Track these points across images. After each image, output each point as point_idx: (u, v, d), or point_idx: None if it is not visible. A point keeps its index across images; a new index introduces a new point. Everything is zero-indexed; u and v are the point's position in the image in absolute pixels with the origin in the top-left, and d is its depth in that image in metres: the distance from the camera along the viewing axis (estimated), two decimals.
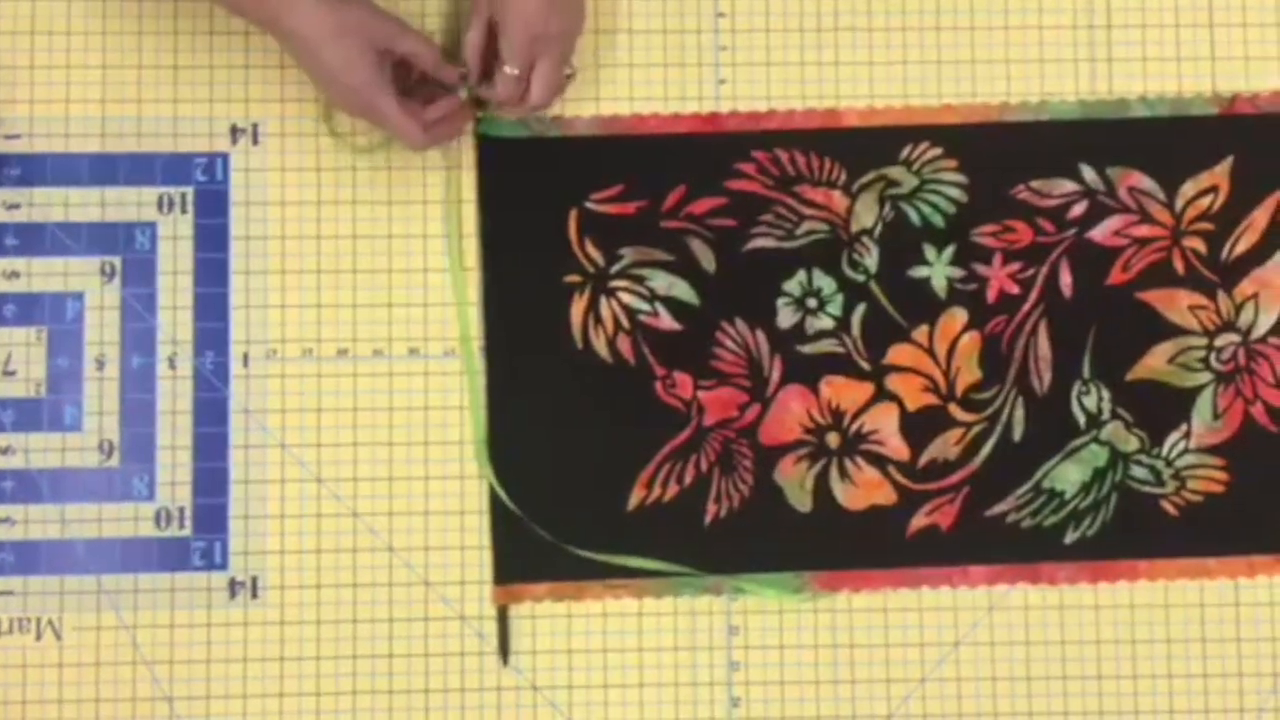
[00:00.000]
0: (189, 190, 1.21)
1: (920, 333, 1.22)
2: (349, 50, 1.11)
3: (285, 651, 1.18)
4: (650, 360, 1.21)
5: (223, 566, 1.18)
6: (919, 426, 1.21)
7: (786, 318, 1.22)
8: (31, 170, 1.20)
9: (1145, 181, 1.22)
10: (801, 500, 1.21)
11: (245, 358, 1.19)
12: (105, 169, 1.20)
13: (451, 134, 1.19)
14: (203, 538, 1.18)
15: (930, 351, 1.21)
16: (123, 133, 1.21)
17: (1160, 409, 1.21)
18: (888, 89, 1.23)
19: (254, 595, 1.18)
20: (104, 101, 1.21)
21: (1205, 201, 1.22)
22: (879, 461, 1.21)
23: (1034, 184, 1.22)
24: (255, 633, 1.18)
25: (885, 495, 1.21)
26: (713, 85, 1.23)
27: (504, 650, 1.18)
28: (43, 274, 1.19)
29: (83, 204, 1.20)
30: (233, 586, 1.18)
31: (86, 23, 1.21)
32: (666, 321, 1.21)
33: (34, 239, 1.19)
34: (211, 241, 1.20)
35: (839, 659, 1.19)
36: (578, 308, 1.21)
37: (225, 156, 1.21)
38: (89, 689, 1.17)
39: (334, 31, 1.10)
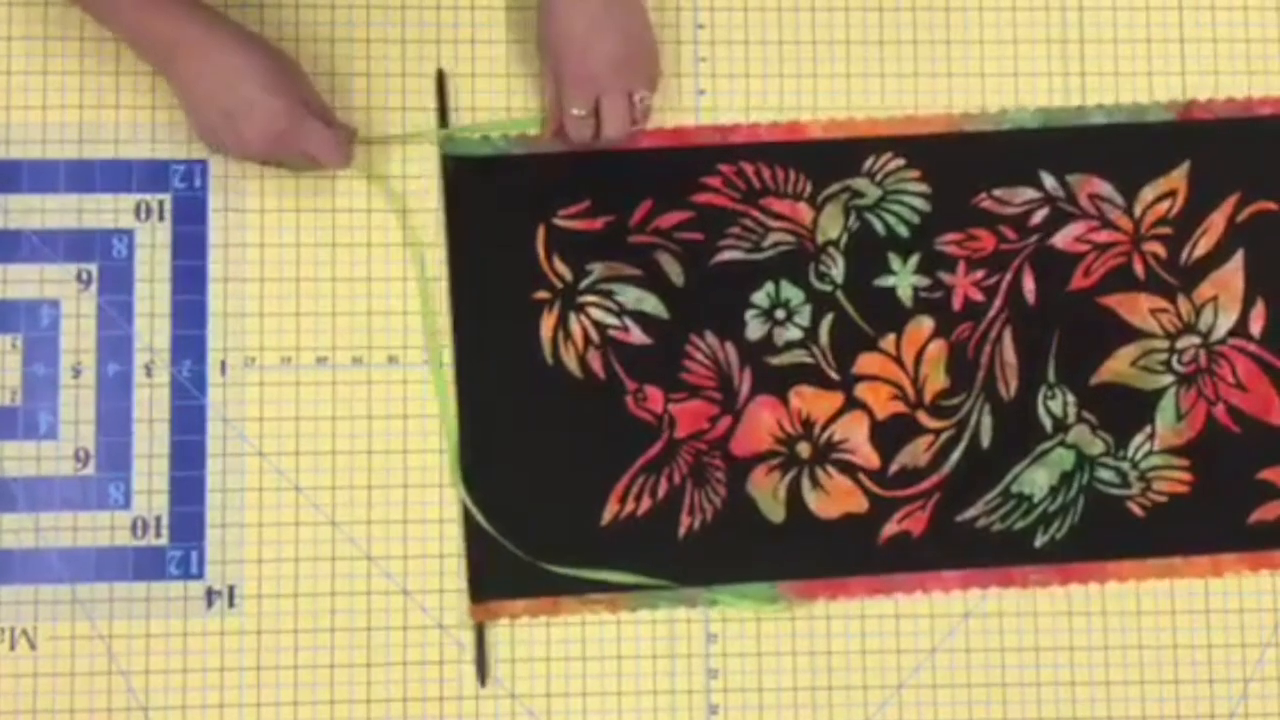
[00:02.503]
0: (166, 197, 1.20)
1: (888, 341, 1.23)
2: (271, 89, 1.12)
3: (263, 661, 1.17)
4: (621, 374, 1.22)
5: (199, 575, 1.17)
6: (889, 434, 1.22)
7: (755, 329, 1.23)
8: (8, 176, 1.19)
9: (1105, 188, 1.25)
10: (774, 510, 1.21)
11: (223, 365, 1.19)
12: (82, 175, 1.20)
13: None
14: (179, 546, 1.17)
15: (898, 360, 1.23)
16: (100, 139, 1.20)
17: (1124, 411, 1.23)
18: (864, 100, 1.25)
19: (231, 604, 1.17)
20: (81, 108, 1.21)
21: (1164, 206, 1.25)
22: (850, 470, 1.22)
23: (996, 192, 1.24)
24: (232, 642, 1.17)
25: (857, 503, 1.22)
26: (692, 96, 1.25)
27: (481, 672, 1.18)
28: (18, 281, 1.19)
29: (59, 210, 1.19)
30: (209, 595, 1.17)
31: (64, 29, 1.21)
32: (636, 335, 1.22)
33: (10, 246, 1.18)
34: (189, 249, 1.20)
35: (816, 666, 1.20)
36: (547, 324, 1.22)
37: (204, 164, 1.21)
38: (63, 699, 1.15)
39: (256, 66, 1.12)
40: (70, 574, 1.17)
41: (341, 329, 1.20)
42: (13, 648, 1.16)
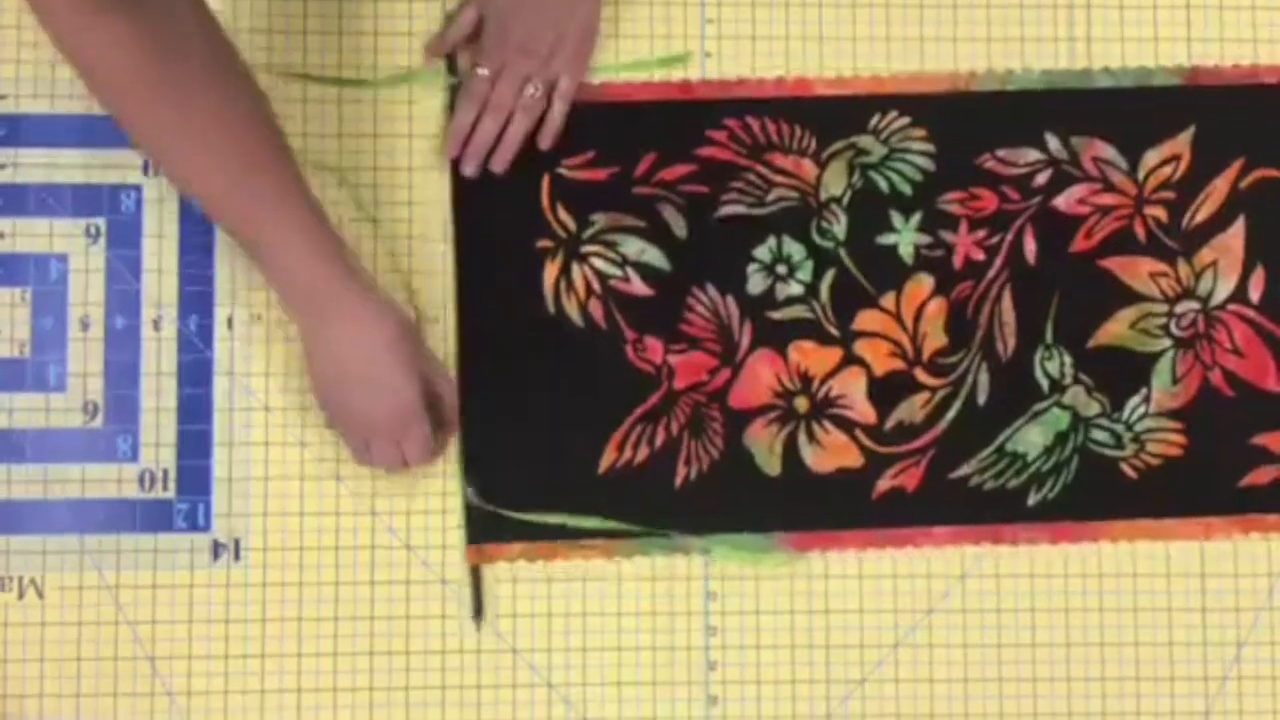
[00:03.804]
0: None
1: (888, 299, 1.24)
2: (409, 368, 1.13)
3: (267, 613, 1.18)
4: (621, 325, 1.23)
5: (206, 528, 1.18)
6: (886, 391, 1.23)
7: (757, 284, 1.24)
8: (16, 131, 1.19)
9: (1109, 151, 1.25)
10: (770, 463, 1.23)
11: (230, 320, 1.19)
12: (90, 130, 1.19)
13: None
14: (186, 499, 1.18)
15: (897, 317, 1.24)
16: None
17: (1121, 374, 1.24)
18: (870, 64, 1.25)
19: (236, 557, 1.18)
20: None
21: (1167, 171, 1.25)
22: (846, 425, 1.23)
23: (1000, 153, 1.25)
24: (237, 594, 1.18)
25: (852, 458, 1.23)
26: (698, 57, 1.24)
27: (478, 610, 1.19)
28: (27, 235, 1.19)
29: (68, 165, 1.19)
30: (215, 548, 1.18)
31: None
32: (638, 286, 1.23)
33: (18, 200, 1.18)
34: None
35: (814, 625, 1.21)
36: (550, 273, 1.23)
37: None
38: (70, 648, 1.17)
39: (397, 341, 1.12)
40: (78, 525, 1.17)
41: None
42: (21, 597, 1.17)
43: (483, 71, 1.18)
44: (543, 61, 1.19)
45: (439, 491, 1.20)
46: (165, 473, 1.18)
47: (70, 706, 1.16)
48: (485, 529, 1.20)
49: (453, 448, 1.20)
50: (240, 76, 1.07)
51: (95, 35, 0.99)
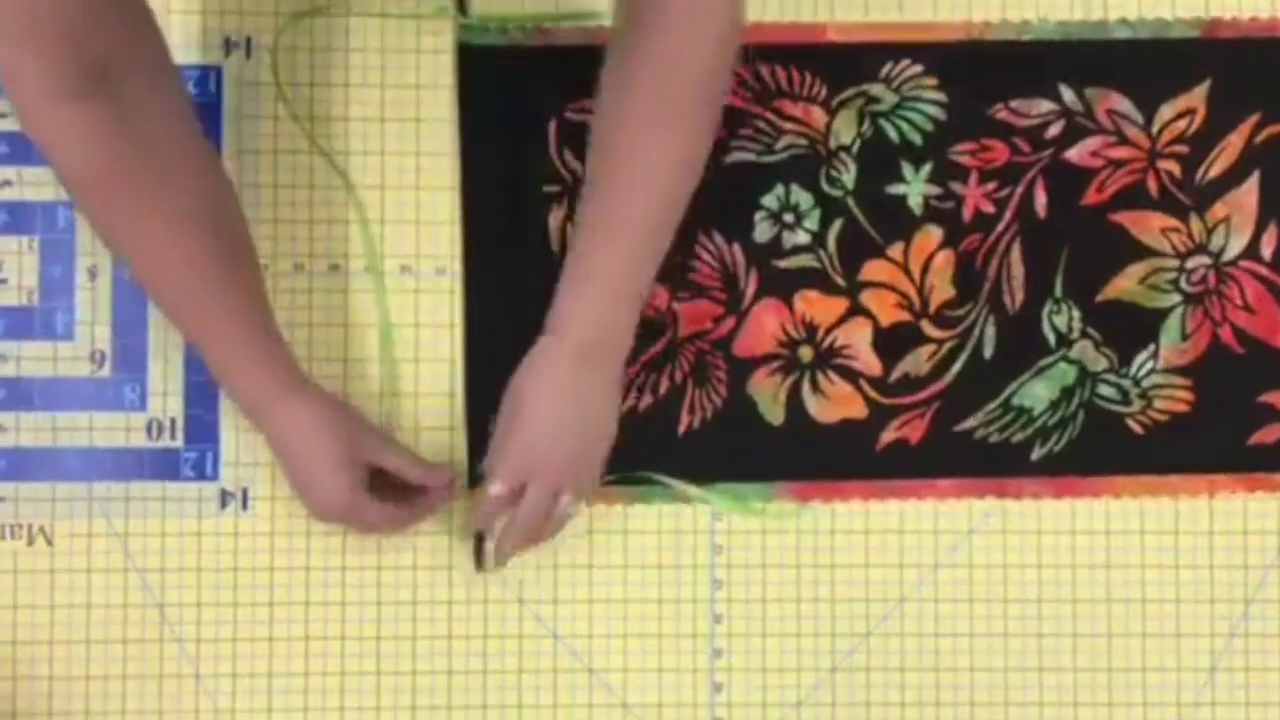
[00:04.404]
0: None
1: (895, 249, 1.23)
2: (335, 468, 1.11)
3: (275, 562, 1.19)
4: None
5: (214, 477, 1.19)
6: (891, 342, 1.23)
7: (763, 232, 1.23)
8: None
9: (1123, 103, 1.24)
10: (774, 412, 1.23)
11: None
12: None
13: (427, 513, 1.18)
14: (194, 448, 1.19)
15: (905, 268, 1.23)
16: None
17: (1129, 329, 1.24)
18: (883, 11, 1.24)
19: (244, 506, 1.19)
20: None
21: (1182, 124, 1.24)
22: (851, 376, 1.23)
23: (1013, 104, 1.24)
24: (245, 542, 1.19)
25: (856, 409, 1.23)
26: None
27: (478, 556, 1.19)
28: (35, 183, 1.18)
29: None
30: (223, 497, 1.19)
31: None
32: None
33: (25, 147, 1.15)
34: None
35: (820, 578, 1.22)
36: (556, 217, 1.22)
37: (218, 69, 1.20)
38: (80, 594, 1.18)
39: (323, 444, 1.11)
40: (87, 473, 1.18)
41: (355, 237, 1.20)
42: (30, 544, 1.18)
43: (498, 491, 1.14)
44: (571, 475, 1.14)
45: (445, 444, 1.20)
46: (173, 422, 1.19)
47: (80, 653, 1.17)
48: None
49: (460, 406, 1.20)
50: (206, 181, 1.07)
51: (60, 122, 0.99)
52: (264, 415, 1.11)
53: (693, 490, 1.21)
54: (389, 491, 1.15)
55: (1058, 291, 1.23)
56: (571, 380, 1.11)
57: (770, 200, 1.23)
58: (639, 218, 1.10)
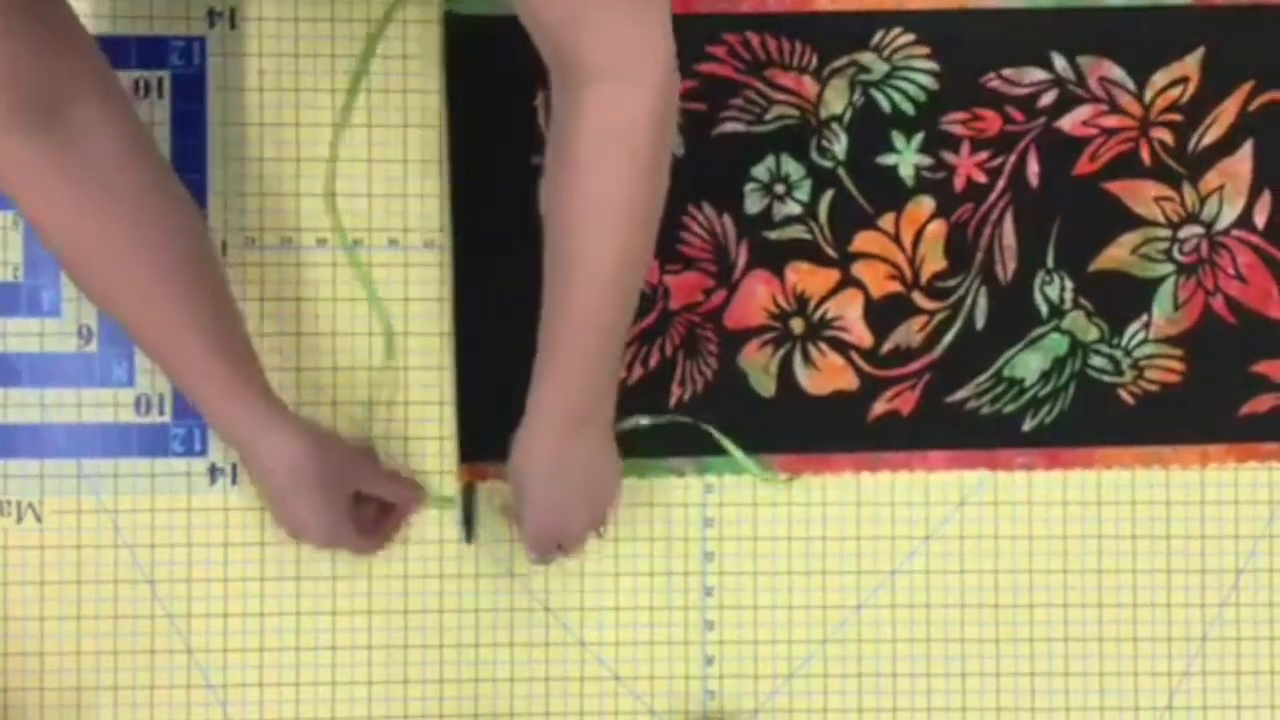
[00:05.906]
0: (165, 75, 1.18)
1: (887, 220, 1.23)
2: (315, 509, 1.11)
3: (265, 536, 1.19)
4: None
5: (202, 453, 1.19)
6: (883, 313, 1.23)
7: (754, 203, 1.23)
8: None
9: (1116, 71, 1.23)
10: (765, 384, 1.23)
11: (223, 245, 1.18)
12: None
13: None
14: (182, 424, 1.19)
15: (896, 239, 1.23)
16: (98, 14, 1.17)
17: (1121, 299, 1.23)
18: None
19: (233, 481, 1.19)
20: None
21: (1175, 92, 1.23)
22: (842, 347, 1.23)
23: (1005, 72, 1.23)
24: (235, 518, 1.19)
25: (848, 381, 1.23)
26: None
27: (468, 527, 1.19)
28: None
29: None
30: (212, 472, 1.19)
31: None
32: None
33: None
34: (188, 128, 1.18)
35: (811, 550, 1.22)
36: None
37: (202, 40, 1.19)
38: (70, 570, 1.18)
39: (304, 481, 1.10)
40: (76, 449, 1.18)
41: (342, 210, 1.20)
42: (19, 520, 1.18)
43: (536, 561, 1.18)
44: (593, 525, 1.17)
45: (435, 418, 1.20)
46: (161, 398, 1.18)
47: (70, 629, 1.18)
48: (479, 448, 1.20)
49: (450, 381, 1.20)
50: (168, 211, 1.05)
51: (10, 157, 0.98)
52: (243, 448, 1.10)
53: (688, 463, 1.21)
54: (368, 502, 1.17)
55: (1050, 262, 1.23)
56: (563, 458, 1.11)
57: (761, 171, 1.22)
58: (596, 309, 1.07)
